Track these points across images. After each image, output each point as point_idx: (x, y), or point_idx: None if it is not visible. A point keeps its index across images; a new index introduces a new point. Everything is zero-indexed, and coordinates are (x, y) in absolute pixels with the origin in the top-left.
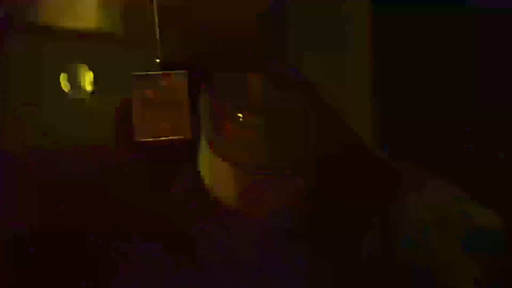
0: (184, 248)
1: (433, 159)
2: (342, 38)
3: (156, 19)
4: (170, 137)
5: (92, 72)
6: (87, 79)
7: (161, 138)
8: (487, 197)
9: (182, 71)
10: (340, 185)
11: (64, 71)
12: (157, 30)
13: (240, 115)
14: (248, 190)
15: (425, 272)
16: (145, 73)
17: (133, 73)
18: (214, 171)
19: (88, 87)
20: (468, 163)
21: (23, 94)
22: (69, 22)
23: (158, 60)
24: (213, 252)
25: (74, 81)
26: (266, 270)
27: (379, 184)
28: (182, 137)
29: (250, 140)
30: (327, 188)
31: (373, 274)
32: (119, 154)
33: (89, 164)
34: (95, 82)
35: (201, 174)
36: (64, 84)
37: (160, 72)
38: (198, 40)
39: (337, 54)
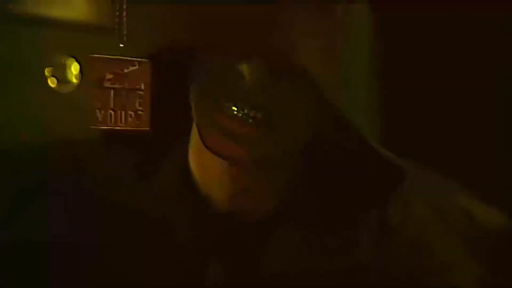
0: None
1: (437, 157)
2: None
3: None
4: (128, 127)
5: (78, 64)
6: (74, 72)
7: (118, 127)
8: (492, 196)
9: (146, 60)
10: (340, 180)
11: (49, 65)
12: (124, 12)
13: (234, 108)
14: (243, 187)
15: (425, 269)
16: (106, 56)
17: (91, 54)
18: (205, 167)
19: (75, 80)
20: (472, 161)
21: (6, 88)
22: (52, 12)
23: (121, 45)
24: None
25: (61, 75)
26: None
27: (380, 180)
28: (141, 128)
29: (244, 134)
30: (325, 183)
31: (370, 269)
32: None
33: (76, 157)
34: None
35: (191, 169)
36: (51, 79)
37: (122, 58)
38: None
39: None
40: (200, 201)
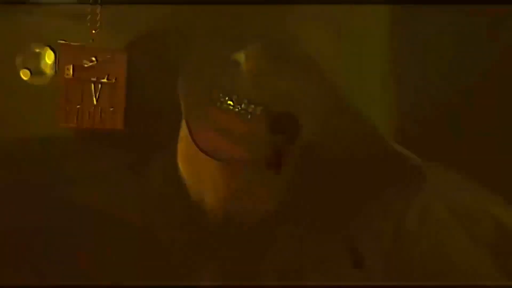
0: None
1: (459, 157)
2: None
3: None
4: (98, 126)
5: (53, 52)
6: (48, 62)
7: (86, 126)
8: None
9: (121, 49)
10: (349, 180)
11: (20, 53)
12: None
13: (230, 102)
14: (238, 190)
15: (444, 278)
16: (75, 44)
17: (60, 40)
18: (196, 168)
19: (49, 71)
20: (501, 161)
21: None
22: None
23: (94, 31)
24: None
25: (34, 66)
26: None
27: (395, 181)
28: (114, 127)
29: (240, 131)
30: (332, 183)
31: (379, 277)
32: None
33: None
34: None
35: (181, 170)
36: (23, 72)
37: (95, 46)
38: None
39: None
40: (192, 208)
